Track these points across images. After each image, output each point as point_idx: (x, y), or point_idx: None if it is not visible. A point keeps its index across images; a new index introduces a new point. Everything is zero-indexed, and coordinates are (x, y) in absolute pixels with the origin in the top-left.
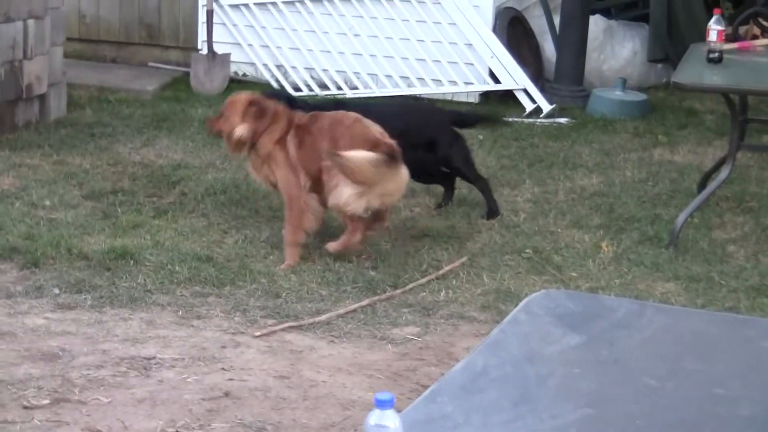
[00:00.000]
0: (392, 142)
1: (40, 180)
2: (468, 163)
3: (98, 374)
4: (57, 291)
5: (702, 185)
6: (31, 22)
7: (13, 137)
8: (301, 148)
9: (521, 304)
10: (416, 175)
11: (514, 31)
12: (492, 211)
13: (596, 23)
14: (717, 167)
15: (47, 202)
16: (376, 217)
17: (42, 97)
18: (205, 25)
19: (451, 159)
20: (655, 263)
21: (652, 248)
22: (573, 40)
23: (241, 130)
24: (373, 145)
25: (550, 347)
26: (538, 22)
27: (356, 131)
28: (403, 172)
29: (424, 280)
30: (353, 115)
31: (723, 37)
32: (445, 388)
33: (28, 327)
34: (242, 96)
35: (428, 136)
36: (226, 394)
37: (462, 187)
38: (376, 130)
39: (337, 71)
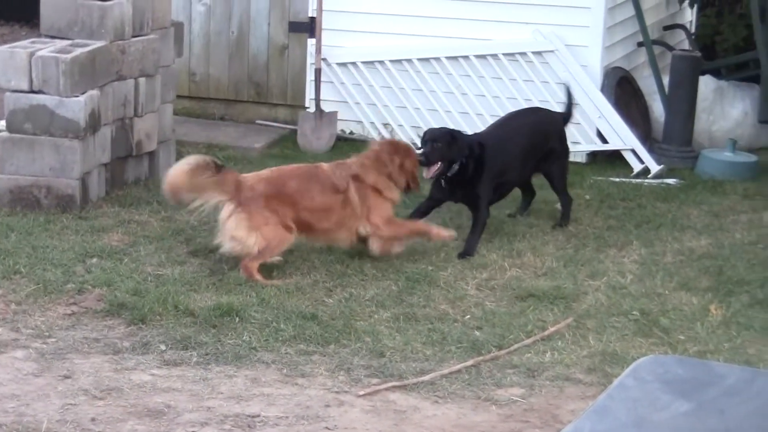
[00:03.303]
0: None
1: (149, 236)
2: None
3: None
4: (163, 347)
5: None
6: (142, 80)
7: (123, 193)
8: None
9: (629, 368)
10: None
11: (622, 91)
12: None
13: (706, 84)
14: None
15: (155, 259)
16: None
17: (151, 154)
18: (313, 84)
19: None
20: (765, 327)
21: (762, 312)
22: (682, 101)
23: None
24: None
25: (658, 414)
26: (647, 83)
27: None
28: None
29: (529, 341)
30: None
31: None
32: None
33: (135, 383)
34: None
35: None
36: None
37: (568, 247)
38: None
39: None
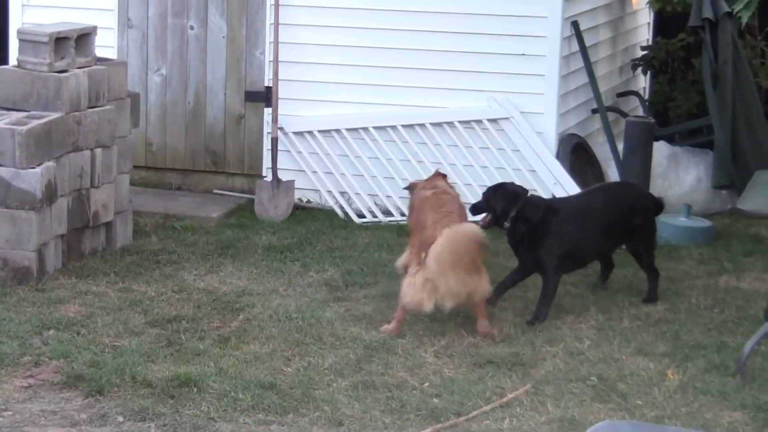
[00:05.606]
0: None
1: (106, 307)
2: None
3: None
4: (121, 419)
5: None
6: (98, 151)
7: (80, 265)
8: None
9: None
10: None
11: (577, 158)
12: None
13: (660, 150)
14: None
15: (112, 330)
16: None
17: (108, 225)
18: (269, 153)
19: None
20: (722, 392)
21: (718, 376)
22: (637, 167)
23: None
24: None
25: None
26: (601, 149)
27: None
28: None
29: (487, 408)
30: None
31: None
32: None
33: None
34: None
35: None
36: None
37: (526, 313)
38: None
39: (401, 198)
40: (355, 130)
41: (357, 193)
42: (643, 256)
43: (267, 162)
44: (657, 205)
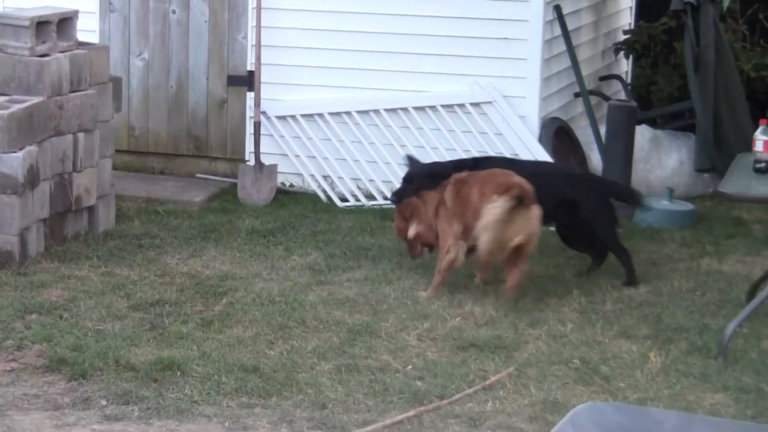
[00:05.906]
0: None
1: (88, 291)
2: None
3: None
4: (104, 402)
5: (751, 295)
6: (81, 135)
7: (62, 249)
8: (457, 198)
9: (567, 416)
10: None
11: (560, 142)
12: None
13: (642, 133)
14: (766, 277)
15: (95, 314)
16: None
17: (91, 209)
18: (252, 137)
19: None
20: (704, 374)
21: (700, 359)
22: (619, 151)
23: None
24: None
25: None
26: (584, 133)
27: (494, 180)
28: (532, 213)
29: (470, 391)
30: (501, 171)
31: None
32: None
33: None
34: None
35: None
36: None
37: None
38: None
39: (383, 181)
40: (338, 114)
41: (340, 177)
42: (595, 234)
43: (250, 146)
44: (618, 193)
